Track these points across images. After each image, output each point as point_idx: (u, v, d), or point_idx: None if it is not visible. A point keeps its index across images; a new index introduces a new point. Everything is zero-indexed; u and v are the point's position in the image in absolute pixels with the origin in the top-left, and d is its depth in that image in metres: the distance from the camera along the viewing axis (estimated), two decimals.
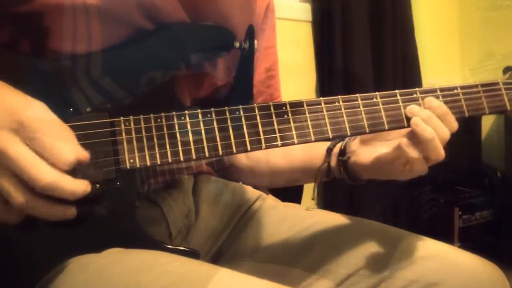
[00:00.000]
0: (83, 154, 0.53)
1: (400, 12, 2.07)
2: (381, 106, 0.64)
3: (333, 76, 1.90)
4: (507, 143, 2.12)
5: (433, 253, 0.67)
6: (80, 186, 0.51)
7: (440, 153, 0.63)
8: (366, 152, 0.70)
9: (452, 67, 2.41)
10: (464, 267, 0.65)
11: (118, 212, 0.58)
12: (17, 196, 0.49)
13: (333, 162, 0.76)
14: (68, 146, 0.51)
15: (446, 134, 0.63)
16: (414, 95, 0.65)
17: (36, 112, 0.51)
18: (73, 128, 0.54)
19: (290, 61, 1.73)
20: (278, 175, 0.86)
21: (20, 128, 0.49)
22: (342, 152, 0.74)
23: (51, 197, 0.50)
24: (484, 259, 0.67)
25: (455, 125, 0.65)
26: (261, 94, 0.86)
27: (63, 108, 0.56)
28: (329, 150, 0.77)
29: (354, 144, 0.73)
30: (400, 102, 0.64)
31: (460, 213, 1.97)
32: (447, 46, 2.42)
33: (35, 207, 0.50)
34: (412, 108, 0.64)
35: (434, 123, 0.62)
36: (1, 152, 0.48)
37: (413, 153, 0.62)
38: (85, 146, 0.53)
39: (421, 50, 2.16)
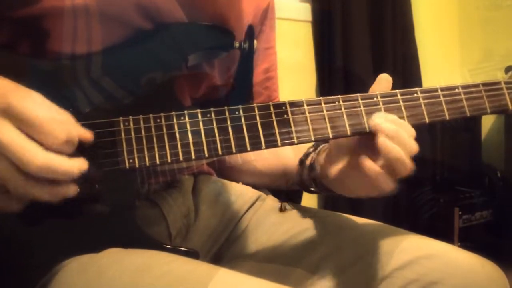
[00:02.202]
0: (85, 133, 0.53)
1: (400, 12, 2.07)
2: (382, 106, 0.63)
3: (333, 76, 1.90)
4: (507, 143, 2.12)
5: (433, 252, 0.67)
6: (74, 166, 0.50)
7: (408, 167, 0.60)
8: (330, 168, 0.67)
9: (452, 67, 2.41)
10: (463, 265, 0.65)
11: (117, 212, 0.58)
12: (14, 181, 0.48)
13: (305, 174, 0.74)
14: (60, 126, 0.50)
15: (414, 147, 0.61)
16: (415, 95, 0.64)
17: (27, 95, 0.50)
18: None
19: (290, 61, 1.73)
20: (259, 177, 0.86)
21: (9, 111, 0.48)
22: (311, 166, 0.73)
23: (48, 179, 0.49)
24: (484, 258, 0.67)
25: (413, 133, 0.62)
26: (258, 95, 0.85)
27: (63, 108, 0.55)
28: (301, 162, 0.75)
29: (322, 158, 0.71)
30: (401, 102, 0.64)
31: (460, 213, 1.97)
32: (447, 46, 2.42)
33: (34, 191, 0.49)
34: (379, 125, 0.60)
35: (401, 139, 0.60)
36: None
37: (376, 172, 0.60)
38: (84, 146, 0.53)
39: (421, 50, 2.16)
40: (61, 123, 0.50)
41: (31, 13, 0.57)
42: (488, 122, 2.28)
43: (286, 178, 0.81)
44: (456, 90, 0.66)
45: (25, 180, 0.48)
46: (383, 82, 0.65)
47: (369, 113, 0.62)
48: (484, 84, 0.68)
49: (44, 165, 0.48)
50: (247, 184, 0.86)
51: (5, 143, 0.47)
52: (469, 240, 1.94)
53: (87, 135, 0.53)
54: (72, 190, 0.51)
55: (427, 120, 0.65)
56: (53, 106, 0.52)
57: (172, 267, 0.51)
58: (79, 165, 0.50)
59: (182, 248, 0.60)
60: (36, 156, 0.48)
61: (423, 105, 0.64)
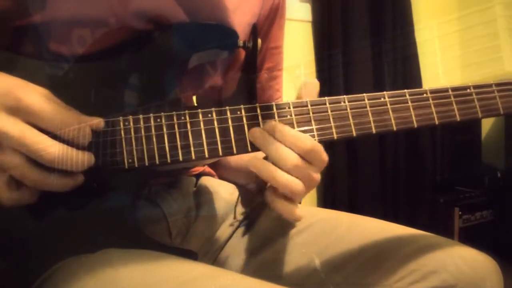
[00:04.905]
0: (95, 122, 0.54)
1: (400, 11, 2.07)
2: (389, 106, 0.62)
3: (333, 76, 1.90)
4: (507, 143, 2.12)
5: (430, 244, 0.68)
6: (85, 156, 0.52)
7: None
8: None
9: (452, 67, 2.41)
10: (461, 256, 0.66)
11: (116, 212, 0.57)
12: (29, 174, 0.50)
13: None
14: (70, 118, 0.52)
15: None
16: (424, 95, 0.63)
17: (35, 90, 0.51)
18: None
19: (290, 61, 1.73)
20: (229, 172, 0.85)
21: (18, 106, 0.49)
22: None
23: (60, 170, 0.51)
24: (482, 253, 0.68)
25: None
26: (261, 94, 0.85)
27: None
28: None
29: None
30: (409, 102, 0.62)
31: (460, 213, 1.97)
32: (447, 46, 2.42)
33: (47, 182, 0.51)
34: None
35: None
36: (2, 133, 0.49)
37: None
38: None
39: (421, 50, 2.16)
40: (71, 116, 0.52)
41: (33, 21, 0.58)
42: (488, 122, 2.28)
43: (249, 178, 0.80)
44: (468, 91, 0.64)
45: (40, 172, 0.50)
46: (309, 87, 0.63)
47: (376, 114, 0.61)
48: (497, 84, 0.65)
49: (58, 155, 0.50)
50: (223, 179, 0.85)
51: (17, 137, 0.49)
52: (469, 240, 1.93)
53: (97, 123, 0.54)
54: (80, 179, 0.53)
55: (436, 122, 0.63)
56: (60, 101, 0.53)
57: (170, 267, 0.51)
58: (88, 156, 0.53)
59: (181, 248, 0.60)
60: (50, 147, 0.50)
61: (432, 106, 0.62)
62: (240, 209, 0.81)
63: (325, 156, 0.58)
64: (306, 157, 0.57)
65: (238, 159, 0.83)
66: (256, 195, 0.76)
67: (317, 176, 0.58)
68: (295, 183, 0.56)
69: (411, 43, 2.12)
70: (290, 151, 0.57)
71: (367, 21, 1.98)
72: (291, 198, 0.58)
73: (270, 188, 0.59)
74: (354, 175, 1.93)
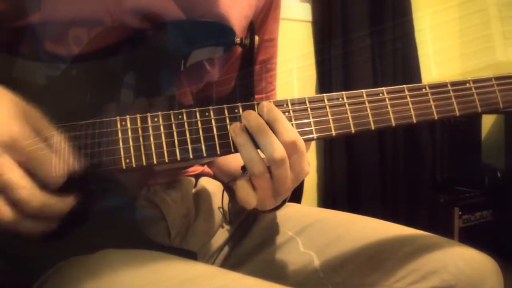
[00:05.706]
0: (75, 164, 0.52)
1: (400, 11, 2.07)
2: (387, 102, 0.61)
3: (333, 76, 1.90)
4: (507, 143, 2.12)
5: (431, 244, 0.68)
6: (66, 204, 0.50)
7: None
8: None
9: (452, 68, 2.41)
10: (461, 256, 0.66)
11: (115, 213, 0.57)
12: (8, 217, 0.48)
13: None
14: (59, 163, 0.50)
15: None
16: (423, 90, 0.63)
17: (25, 124, 0.48)
18: (69, 128, 0.53)
19: (290, 61, 1.73)
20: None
21: (10, 145, 0.47)
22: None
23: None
24: (482, 253, 0.68)
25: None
26: (254, 85, 0.84)
27: (59, 108, 0.55)
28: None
29: None
30: (408, 97, 0.62)
31: (460, 213, 1.97)
32: (447, 46, 2.41)
33: (26, 226, 0.49)
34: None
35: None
36: None
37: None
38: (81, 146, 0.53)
39: (421, 50, 2.15)
40: (60, 159, 0.50)
41: (28, 22, 0.58)
42: (488, 122, 2.28)
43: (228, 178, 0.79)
44: (467, 85, 0.64)
45: (20, 217, 0.48)
46: None
47: (374, 110, 0.61)
48: (496, 78, 0.65)
49: (41, 207, 0.48)
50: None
51: (3, 181, 0.47)
52: (469, 240, 1.93)
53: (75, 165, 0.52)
54: (54, 225, 0.51)
55: (435, 117, 0.62)
56: (47, 124, 0.51)
57: (169, 267, 0.51)
58: (70, 202, 0.51)
59: (180, 248, 0.60)
60: (34, 197, 0.48)
61: (431, 101, 0.62)
62: (241, 211, 0.80)
63: (307, 165, 0.58)
64: (288, 152, 0.56)
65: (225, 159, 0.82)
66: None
67: (290, 185, 0.58)
68: (266, 179, 0.56)
69: (412, 44, 2.12)
70: (281, 146, 0.56)
71: (367, 21, 1.98)
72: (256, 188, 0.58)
73: (245, 175, 0.58)
74: (354, 175, 1.93)
